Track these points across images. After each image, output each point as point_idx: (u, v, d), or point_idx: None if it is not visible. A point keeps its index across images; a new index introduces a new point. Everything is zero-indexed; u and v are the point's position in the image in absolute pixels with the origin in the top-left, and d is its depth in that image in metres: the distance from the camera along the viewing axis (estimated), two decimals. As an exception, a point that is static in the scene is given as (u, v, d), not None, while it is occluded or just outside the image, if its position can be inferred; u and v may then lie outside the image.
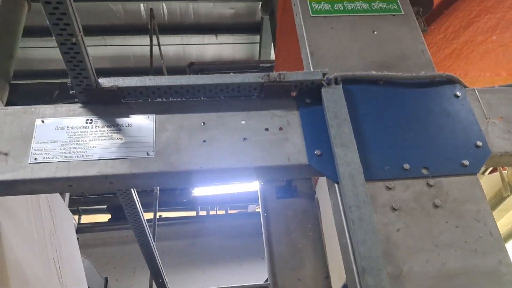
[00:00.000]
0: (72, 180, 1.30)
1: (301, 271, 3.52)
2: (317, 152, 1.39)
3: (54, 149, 1.33)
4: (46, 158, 1.31)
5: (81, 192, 1.30)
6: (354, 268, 1.21)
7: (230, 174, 1.38)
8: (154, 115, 1.44)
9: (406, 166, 1.39)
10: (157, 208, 3.63)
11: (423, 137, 1.46)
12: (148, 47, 4.77)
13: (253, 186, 6.08)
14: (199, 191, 6.03)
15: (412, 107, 1.53)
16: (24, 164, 1.30)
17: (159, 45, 4.80)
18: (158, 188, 3.95)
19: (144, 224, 2.38)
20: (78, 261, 2.96)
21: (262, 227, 3.72)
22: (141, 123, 1.42)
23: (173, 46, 6.03)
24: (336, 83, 1.51)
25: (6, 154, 1.31)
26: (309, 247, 3.64)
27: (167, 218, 6.46)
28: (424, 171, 1.39)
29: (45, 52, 5.66)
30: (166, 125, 1.43)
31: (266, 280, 3.48)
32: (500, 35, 2.46)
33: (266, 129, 1.44)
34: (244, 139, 1.42)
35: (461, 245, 1.27)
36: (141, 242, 2.58)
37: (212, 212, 7.05)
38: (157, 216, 6.47)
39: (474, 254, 1.26)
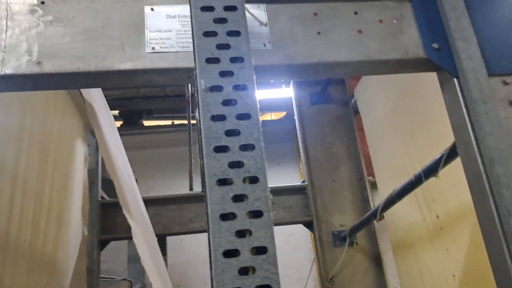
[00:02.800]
0: (193, 71, 1.26)
1: (336, 173, 3.63)
2: (435, 45, 1.36)
3: (170, 39, 1.28)
4: (164, 47, 1.26)
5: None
6: (479, 159, 1.23)
7: (346, 68, 1.36)
8: (265, 4, 1.37)
9: (523, 61, 1.37)
10: (190, 112, 3.63)
11: (536, 33, 1.43)
12: None
13: (265, 94, 6.00)
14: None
15: (523, 1, 1.47)
16: (142, 54, 1.25)
17: None
18: (190, 92, 3.91)
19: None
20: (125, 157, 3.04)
21: (297, 131, 3.76)
22: (253, 12, 1.35)
23: None
24: (451, -27, 1.43)
25: (121, 42, 1.26)
26: (343, 151, 3.72)
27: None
28: (540, 66, 1.37)
29: None
30: (278, 15, 1.37)
31: (303, 181, 3.59)
32: None
33: (380, 21, 1.39)
34: (359, 31, 1.37)
35: None
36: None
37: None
38: (173, 123, 6.53)
39: None
